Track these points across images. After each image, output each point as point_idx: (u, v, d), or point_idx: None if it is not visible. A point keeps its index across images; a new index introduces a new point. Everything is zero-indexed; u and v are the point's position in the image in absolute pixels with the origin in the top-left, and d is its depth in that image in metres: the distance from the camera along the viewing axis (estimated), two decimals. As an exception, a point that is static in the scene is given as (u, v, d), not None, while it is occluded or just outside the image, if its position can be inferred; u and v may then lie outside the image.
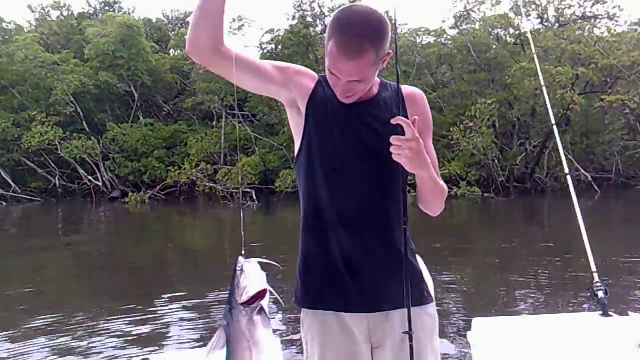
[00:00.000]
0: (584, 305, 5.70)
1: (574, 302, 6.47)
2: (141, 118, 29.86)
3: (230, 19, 28.45)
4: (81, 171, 27.84)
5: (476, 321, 2.79)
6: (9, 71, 27.68)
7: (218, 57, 1.58)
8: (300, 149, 1.78)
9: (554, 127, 3.49)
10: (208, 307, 6.86)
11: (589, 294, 2.97)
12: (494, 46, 27.49)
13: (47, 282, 9.47)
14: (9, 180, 27.45)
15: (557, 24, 28.73)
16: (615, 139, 25.70)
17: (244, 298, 1.37)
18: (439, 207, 1.77)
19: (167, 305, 7.08)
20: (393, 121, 1.53)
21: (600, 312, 2.85)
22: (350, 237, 1.71)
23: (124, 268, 10.66)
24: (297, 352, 4.82)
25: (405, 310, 1.56)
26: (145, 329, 6.06)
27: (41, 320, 6.38)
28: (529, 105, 24.24)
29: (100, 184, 27.93)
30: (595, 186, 23.21)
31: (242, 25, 30.47)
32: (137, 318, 6.44)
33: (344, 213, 1.71)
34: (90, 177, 27.95)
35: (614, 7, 28.41)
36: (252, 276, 1.39)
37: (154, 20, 37.30)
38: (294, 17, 30.55)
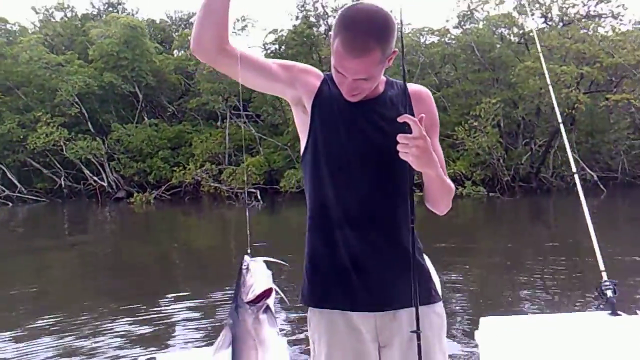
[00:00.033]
0: (592, 305, 5.69)
1: (581, 302, 6.45)
2: (146, 119, 29.93)
3: (234, 20, 28.52)
4: (87, 172, 27.94)
5: (484, 320, 2.77)
6: (14, 72, 27.80)
7: (223, 56, 1.58)
8: (306, 148, 1.77)
9: (561, 125, 3.47)
10: (214, 306, 6.87)
11: (596, 294, 2.95)
12: (498, 46, 27.41)
13: (53, 282, 9.51)
14: (15, 181, 27.57)
15: (561, 23, 28.65)
16: (621, 138, 25.58)
17: (250, 297, 1.37)
18: (446, 206, 1.76)
19: (172, 305, 7.09)
20: (400, 119, 1.52)
21: (609, 312, 2.83)
22: (357, 235, 1.70)
23: (129, 268, 10.69)
24: (302, 352, 4.81)
25: (413, 309, 1.56)
26: (150, 328, 6.07)
27: (47, 320, 6.40)
28: (533, 104, 24.16)
29: (105, 184, 28.02)
30: (601, 186, 23.11)
31: (246, 25, 30.61)
32: (142, 318, 6.45)
33: (350, 212, 1.70)
34: (95, 178, 28.05)
35: (618, 6, 28.34)
36: (258, 275, 1.38)
37: (157, 21, 37.40)
38: (297, 18, 30.64)
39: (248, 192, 23.59)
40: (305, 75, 1.75)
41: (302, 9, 30.61)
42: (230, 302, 1.41)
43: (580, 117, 24.69)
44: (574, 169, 3.40)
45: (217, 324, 5.95)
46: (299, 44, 28.02)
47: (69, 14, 36.14)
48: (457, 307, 6.44)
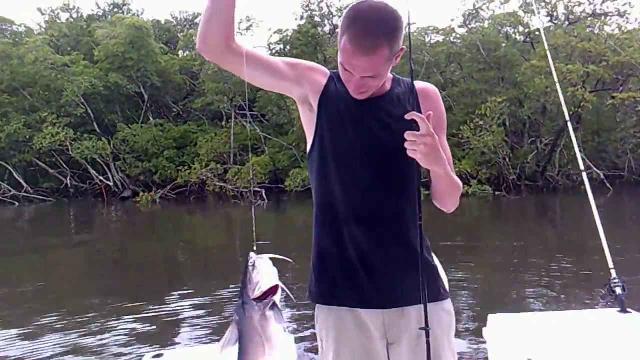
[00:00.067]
0: (600, 302, 5.67)
1: (588, 300, 6.42)
2: (151, 119, 30.02)
3: (239, 20, 28.52)
4: (92, 171, 28.04)
5: (492, 317, 2.77)
6: (20, 73, 27.92)
7: (229, 54, 1.57)
8: (312, 145, 1.77)
9: (569, 123, 3.45)
10: (220, 303, 6.88)
11: (605, 291, 2.94)
12: (503, 44, 27.34)
13: (59, 280, 9.54)
14: (21, 181, 27.71)
15: (566, 22, 28.52)
16: (627, 136, 25.47)
17: (257, 294, 1.37)
18: (453, 204, 1.75)
19: (178, 302, 7.11)
20: (407, 116, 1.51)
21: (619, 309, 2.82)
22: (364, 232, 1.70)
23: (135, 266, 10.73)
24: (308, 349, 4.81)
25: (422, 306, 1.55)
26: (157, 326, 6.09)
27: (53, 318, 6.43)
28: (539, 103, 24.09)
29: (111, 183, 28.12)
30: (607, 184, 23.02)
31: (251, 25, 30.60)
32: (149, 315, 6.48)
33: (356, 209, 1.70)
34: (101, 177, 28.16)
35: (624, 4, 28.26)
36: (264, 272, 1.39)
37: (162, 22, 37.51)
38: (302, 17, 30.61)
39: (253, 191, 23.63)
40: (312, 73, 1.75)
41: (307, 8, 30.59)
42: (236, 299, 1.40)
43: (587, 115, 24.59)
44: (581, 167, 3.38)
45: (223, 321, 5.96)
46: (304, 43, 28.01)
47: (74, 15, 36.30)
48: (463, 305, 6.42)
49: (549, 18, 29.13)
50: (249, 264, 1.39)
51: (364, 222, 1.70)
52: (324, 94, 1.73)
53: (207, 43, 1.56)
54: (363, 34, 1.52)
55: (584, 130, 24.79)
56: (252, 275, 1.38)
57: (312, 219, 1.78)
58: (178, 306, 6.94)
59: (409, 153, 1.53)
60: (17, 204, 26.58)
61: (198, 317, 6.39)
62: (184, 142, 28.89)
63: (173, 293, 7.65)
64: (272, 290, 1.38)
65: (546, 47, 4.55)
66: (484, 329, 2.75)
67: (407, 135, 1.51)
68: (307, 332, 5.17)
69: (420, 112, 1.59)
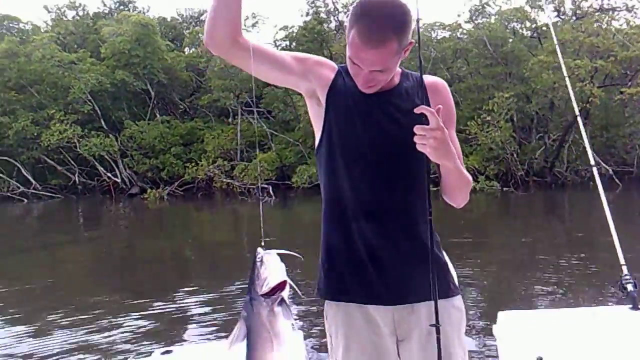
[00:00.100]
0: (610, 300, 5.62)
1: (598, 297, 6.37)
2: (158, 116, 30.09)
3: (244, 17, 28.48)
4: (100, 168, 28.15)
5: (502, 314, 2.74)
6: (27, 71, 28.02)
7: (236, 49, 1.56)
8: (320, 140, 1.75)
9: (579, 117, 3.41)
10: (228, 300, 6.90)
11: (616, 288, 2.90)
12: (510, 40, 27.16)
13: (68, 276, 9.59)
14: (30, 178, 27.84)
15: (574, 17, 28.32)
16: (636, 132, 25.26)
17: (265, 289, 1.36)
18: (463, 199, 1.74)
19: (187, 299, 7.13)
20: (417, 110, 1.50)
21: (630, 306, 2.78)
22: (373, 228, 1.68)
23: (143, 263, 10.78)
24: (317, 345, 4.81)
25: (432, 302, 1.54)
26: (165, 322, 6.11)
27: (61, 314, 6.45)
28: (547, 98, 23.94)
29: (119, 180, 28.22)
30: (616, 180, 22.86)
31: (257, 22, 30.56)
32: (157, 312, 6.50)
33: (365, 204, 1.69)
34: (109, 174, 28.26)
35: (632, -2, 27.91)
36: (272, 267, 1.37)
37: (168, 19, 37.54)
38: (307, 14, 30.53)
39: (260, 188, 23.64)
40: (319, 67, 1.74)
41: (313, 5, 30.50)
42: (244, 295, 1.39)
43: (595, 111, 24.40)
44: (592, 162, 3.35)
45: (231, 318, 5.96)
46: (310, 40, 27.94)
47: (80, 13, 36.39)
48: (472, 302, 6.39)
49: (556, 13, 28.93)
50: (257, 259, 1.38)
51: (373, 218, 1.68)
52: (332, 89, 1.72)
53: (214, 38, 1.55)
54: (372, 27, 1.51)
55: (592, 126, 24.61)
56: (260, 271, 1.37)
57: (321, 215, 1.77)
58: (186, 303, 6.96)
59: (419, 147, 1.51)
60: (25, 201, 26.74)
61: (206, 313, 6.41)
62: (191, 138, 28.94)
63: (181, 289, 7.67)
64: (281, 286, 1.36)
65: (555, 41, 4.51)
66: (494, 326, 2.73)
67: (417, 129, 1.49)
68: (316, 329, 5.16)
69: (429, 106, 1.57)
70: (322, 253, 1.76)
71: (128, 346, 5.28)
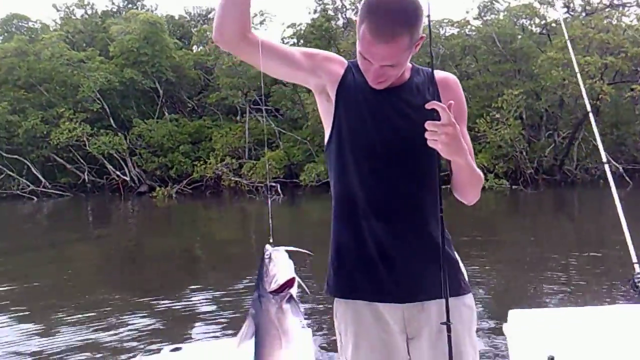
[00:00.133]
0: (620, 298, 5.57)
1: (609, 295, 6.32)
2: (166, 114, 30.17)
3: (252, 14, 28.48)
4: (109, 167, 28.28)
5: (512, 313, 2.72)
6: (37, 69, 28.18)
7: (245, 44, 1.56)
8: (330, 137, 1.74)
9: (590, 114, 3.37)
10: (236, 297, 6.90)
11: (628, 287, 2.87)
12: (519, 36, 27.01)
13: (77, 274, 9.63)
14: (40, 176, 28.02)
15: (584, 13, 28.10)
16: (646, 129, 25.07)
17: (273, 287, 1.34)
18: (474, 195, 1.71)
19: (195, 296, 7.15)
20: (428, 106, 1.47)
21: (642, 304, 2.75)
22: (383, 225, 1.66)
23: (152, 260, 10.81)
24: (326, 343, 4.80)
25: (443, 300, 1.52)
26: (173, 320, 6.12)
27: (70, 312, 6.49)
28: (556, 96, 23.76)
29: (128, 179, 28.34)
30: (627, 177, 22.67)
31: (264, 20, 30.65)
32: (166, 309, 6.51)
33: (375, 201, 1.67)
34: (118, 173, 28.39)
35: (644, -6, 27.65)
36: (280, 265, 1.36)
37: (176, 17, 37.60)
38: (315, 11, 30.52)
39: (268, 186, 23.65)
40: (329, 63, 1.72)
41: (320, 2, 30.48)
42: (252, 292, 1.38)
43: (605, 108, 24.21)
44: (604, 159, 3.31)
45: (239, 315, 5.96)
46: (317, 37, 27.91)
47: (89, 11, 36.58)
48: (481, 300, 6.36)
49: (565, 9, 28.73)
50: (266, 256, 1.37)
51: (383, 215, 1.66)
52: (342, 84, 1.70)
53: (223, 34, 1.55)
54: (383, 22, 1.49)
55: (602, 123, 24.38)
56: (269, 268, 1.36)
57: (331, 213, 1.75)
58: (194, 300, 6.97)
59: (430, 143, 1.49)
60: (35, 199, 26.91)
61: (214, 311, 6.42)
62: (199, 137, 29.01)
63: (189, 287, 7.69)
64: (289, 283, 1.35)
65: (566, 37, 4.46)
66: (504, 324, 2.70)
67: (428, 125, 1.47)
68: (325, 326, 5.15)
69: (440, 102, 1.55)
70: (332, 251, 1.75)
71: (136, 344, 5.30)
